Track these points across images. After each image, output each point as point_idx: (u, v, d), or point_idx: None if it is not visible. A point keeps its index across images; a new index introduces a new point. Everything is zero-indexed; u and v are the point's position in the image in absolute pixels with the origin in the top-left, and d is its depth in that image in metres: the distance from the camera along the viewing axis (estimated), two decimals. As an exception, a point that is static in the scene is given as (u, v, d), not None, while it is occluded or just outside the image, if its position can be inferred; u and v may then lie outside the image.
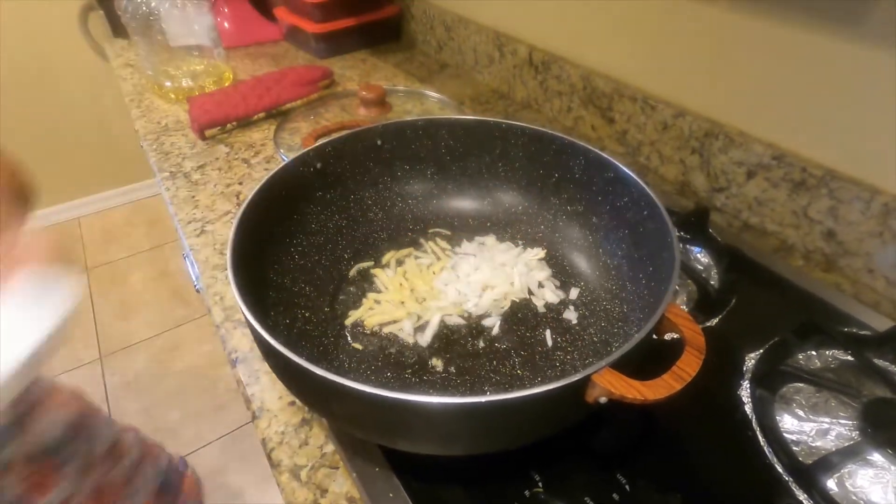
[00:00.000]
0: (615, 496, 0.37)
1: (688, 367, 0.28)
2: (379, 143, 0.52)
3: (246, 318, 0.32)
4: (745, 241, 0.59)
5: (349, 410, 0.32)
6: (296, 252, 0.48)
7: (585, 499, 0.37)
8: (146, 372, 1.50)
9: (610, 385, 0.27)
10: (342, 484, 0.39)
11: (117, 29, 1.13)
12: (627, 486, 0.37)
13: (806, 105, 0.55)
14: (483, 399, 0.27)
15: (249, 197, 0.41)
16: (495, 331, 0.46)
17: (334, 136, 0.50)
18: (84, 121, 1.89)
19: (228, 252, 0.36)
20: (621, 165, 0.45)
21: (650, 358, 0.33)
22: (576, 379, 0.27)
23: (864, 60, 0.49)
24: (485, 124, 0.52)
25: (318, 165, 0.49)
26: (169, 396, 1.44)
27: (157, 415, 1.39)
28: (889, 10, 0.46)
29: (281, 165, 0.45)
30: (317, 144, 0.49)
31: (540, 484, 0.38)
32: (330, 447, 0.41)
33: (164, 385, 1.46)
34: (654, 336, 0.37)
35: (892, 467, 0.38)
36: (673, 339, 0.35)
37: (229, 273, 0.35)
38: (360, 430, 0.36)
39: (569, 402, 0.29)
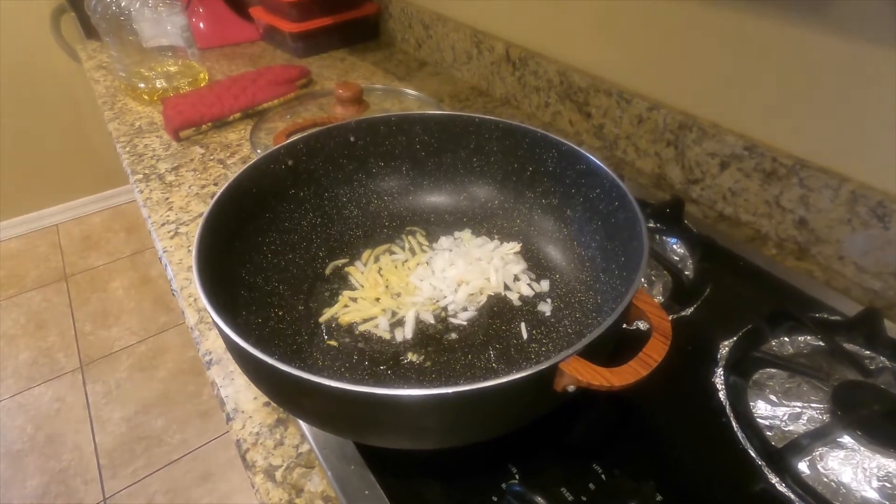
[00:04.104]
0: (591, 486, 0.37)
1: (654, 352, 0.29)
2: (352, 139, 0.52)
3: (211, 316, 0.32)
4: (719, 232, 0.60)
5: (319, 407, 0.32)
6: (269, 250, 0.47)
7: (562, 489, 0.37)
8: (129, 380, 1.48)
9: (577, 373, 0.27)
10: (318, 483, 0.39)
11: (89, 30, 1.11)
12: (603, 476, 0.37)
13: (775, 95, 0.56)
14: (451, 389, 0.27)
15: (217, 195, 0.41)
16: (471, 325, 0.45)
17: (306, 132, 0.50)
18: (60, 125, 1.86)
19: (194, 250, 0.36)
20: (592, 157, 0.45)
21: (624, 348, 0.34)
22: (543, 367, 0.27)
23: (828, 51, 0.50)
24: (458, 119, 0.52)
25: (290, 162, 0.49)
26: (153, 404, 1.41)
27: (142, 423, 1.37)
28: (851, 1, 0.47)
29: (250, 163, 0.45)
30: (288, 141, 0.48)
31: (517, 476, 0.37)
32: (305, 447, 0.41)
33: (147, 392, 1.44)
34: (625, 325, 0.37)
35: (862, 448, 0.38)
36: (648, 328, 0.35)
37: (194, 271, 0.34)
38: (332, 427, 0.35)
39: (537, 390, 0.29)
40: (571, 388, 0.28)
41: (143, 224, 2.00)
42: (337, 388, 0.27)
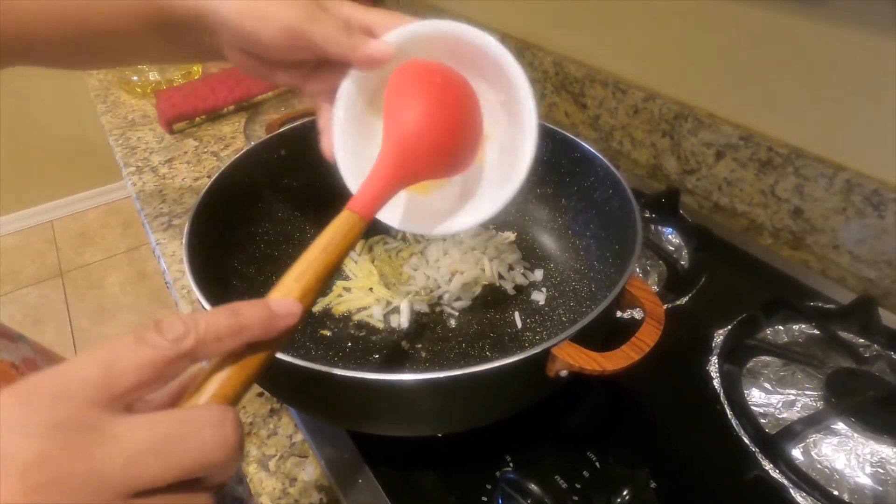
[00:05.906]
0: (585, 474, 0.37)
1: (646, 337, 0.28)
2: (346, 129, 0.51)
3: (202, 305, 0.31)
4: (715, 222, 0.60)
5: (312, 395, 0.31)
6: (261, 240, 0.47)
7: (556, 477, 0.37)
8: (125, 375, 1.47)
9: (569, 357, 0.27)
10: (311, 472, 0.39)
11: (82, 24, 1.10)
12: (598, 464, 0.37)
13: (771, 85, 0.56)
14: (445, 374, 0.27)
15: (209, 184, 0.40)
16: (465, 315, 0.45)
17: (300, 122, 0.49)
18: (54, 121, 1.84)
19: (184, 239, 0.35)
20: (586, 145, 0.45)
21: (618, 338, 0.33)
22: (536, 352, 0.27)
23: (825, 40, 0.50)
24: (452, 108, 0.52)
25: (283, 152, 0.48)
26: (149, 399, 1.41)
27: (138, 418, 1.37)
28: (848, -12, 0.47)
29: (243, 152, 0.44)
30: (281, 130, 0.48)
31: (511, 465, 0.37)
32: (299, 436, 0.41)
33: (144, 388, 1.44)
34: (619, 312, 0.37)
35: (855, 435, 0.38)
36: (641, 318, 0.35)
37: (184, 260, 0.34)
38: (326, 415, 0.35)
39: (530, 376, 0.29)
40: (564, 373, 0.28)
41: (138, 220, 2.00)
42: (331, 374, 0.27)
